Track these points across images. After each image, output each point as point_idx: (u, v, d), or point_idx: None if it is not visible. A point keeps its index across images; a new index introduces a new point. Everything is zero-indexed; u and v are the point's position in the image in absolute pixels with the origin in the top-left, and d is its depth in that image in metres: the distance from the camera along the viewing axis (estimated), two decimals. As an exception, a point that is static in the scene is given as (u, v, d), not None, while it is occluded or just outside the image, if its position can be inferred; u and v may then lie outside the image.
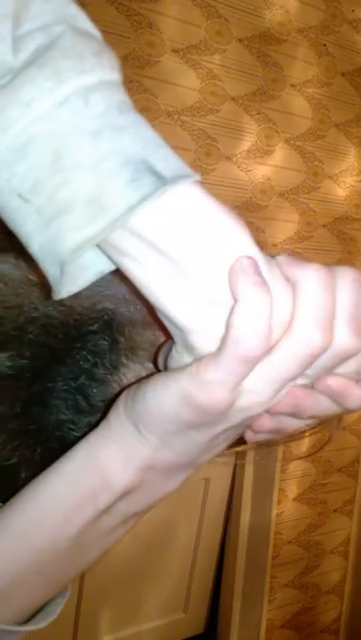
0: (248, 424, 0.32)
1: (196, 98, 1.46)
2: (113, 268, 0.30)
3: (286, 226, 1.70)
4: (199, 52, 1.45)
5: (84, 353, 0.35)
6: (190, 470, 0.34)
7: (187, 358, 0.29)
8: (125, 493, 0.32)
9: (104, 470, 0.31)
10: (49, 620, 0.35)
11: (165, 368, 0.32)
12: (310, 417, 0.32)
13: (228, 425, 0.30)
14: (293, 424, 0.32)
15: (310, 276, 0.27)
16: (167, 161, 0.27)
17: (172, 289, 0.27)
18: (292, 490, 1.89)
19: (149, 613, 1.76)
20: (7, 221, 0.28)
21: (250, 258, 0.27)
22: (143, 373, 0.36)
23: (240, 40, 1.51)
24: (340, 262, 1.77)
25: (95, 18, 0.29)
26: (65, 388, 0.35)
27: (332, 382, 0.30)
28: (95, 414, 0.35)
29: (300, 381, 0.30)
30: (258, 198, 1.62)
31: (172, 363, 0.31)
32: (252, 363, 0.27)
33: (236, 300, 0.26)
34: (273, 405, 0.30)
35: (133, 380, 0.35)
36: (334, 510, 2.03)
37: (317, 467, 1.93)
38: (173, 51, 1.41)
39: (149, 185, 0.26)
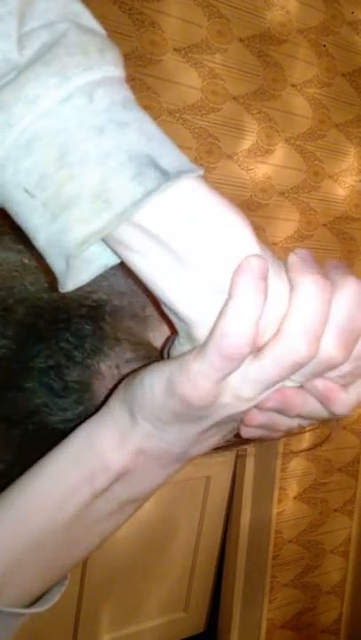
0: (239, 421, 0.33)
1: (197, 96, 1.48)
2: (117, 261, 0.30)
3: (287, 225, 1.71)
4: (201, 52, 1.46)
5: (67, 335, 0.35)
6: (183, 462, 0.34)
7: (188, 349, 0.30)
8: (121, 475, 0.32)
9: (101, 452, 0.32)
10: (49, 604, 0.35)
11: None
12: (300, 416, 0.32)
13: (215, 419, 0.30)
14: (284, 422, 0.33)
15: (308, 285, 0.28)
16: (171, 156, 0.28)
17: (175, 282, 0.28)
18: (293, 489, 1.89)
19: (150, 612, 1.75)
20: (14, 216, 0.28)
21: (259, 258, 0.27)
22: (122, 365, 0.36)
23: (241, 40, 1.53)
24: (341, 261, 1.79)
25: (98, 16, 0.30)
26: (41, 366, 0.35)
27: (319, 384, 0.30)
28: (69, 396, 0.36)
29: (289, 383, 0.31)
30: (258, 197, 1.63)
31: (174, 353, 0.31)
32: (234, 360, 0.27)
33: (229, 296, 0.27)
34: (261, 400, 0.31)
35: (109, 369, 0.36)
36: (335, 510, 2.03)
37: (318, 466, 1.93)
38: (175, 50, 1.42)
39: (154, 180, 0.26)
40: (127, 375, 0.33)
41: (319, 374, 0.30)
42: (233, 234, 0.28)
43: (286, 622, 2.00)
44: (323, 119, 1.71)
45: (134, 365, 0.36)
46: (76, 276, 0.29)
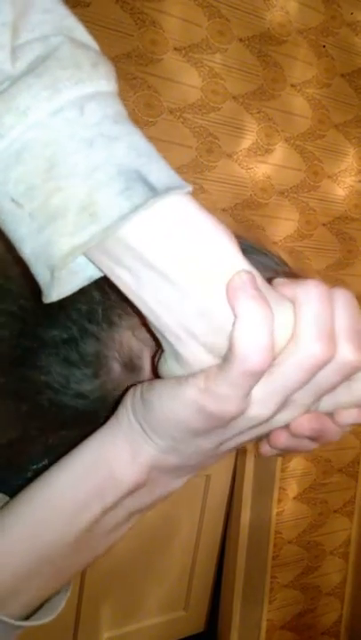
0: (256, 432, 0.32)
1: (197, 95, 1.49)
2: (102, 274, 0.30)
3: (286, 224, 1.71)
4: (201, 51, 1.47)
5: (79, 305, 0.35)
6: (196, 471, 0.34)
7: (175, 367, 0.30)
8: (132, 491, 0.32)
9: (112, 467, 0.32)
10: (55, 614, 0.35)
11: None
12: (327, 442, 0.33)
13: (235, 432, 0.30)
14: (307, 445, 0.33)
15: (311, 291, 0.28)
16: (160, 172, 0.28)
17: (159, 299, 0.28)
18: (293, 489, 1.89)
19: (150, 611, 1.75)
20: (1, 224, 0.28)
21: (249, 272, 0.27)
22: (131, 337, 0.35)
23: (241, 40, 1.54)
24: (339, 261, 1.79)
25: (100, 16, 0.30)
26: (57, 340, 0.35)
27: (352, 417, 0.31)
28: (85, 368, 0.35)
29: (308, 398, 0.31)
30: (258, 196, 1.64)
31: (162, 370, 0.31)
32: (259, 375, 0.27)
33: (236, 316, 0.27)
34: (297, 427, 0.31)
35: (125, 344, 0.36)
36: (335, 511, 2.03)
37: (318, 466, 1.93)
38: (176, 49, 1.43)
39: (141, 195, 0.26)
40: (132, 386, 0.33)
41: (338, 383, 0.30)
42: (219, 252, 0.28)
43: (286, 623, 1.99)
44: (322, 119, 1.72)
45: (144, 336, 0.35)
46: (60, 286, 0.29)
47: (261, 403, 0.29)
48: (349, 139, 1.79)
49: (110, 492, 0.32)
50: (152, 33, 1.39)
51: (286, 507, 1.88)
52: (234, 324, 0.27)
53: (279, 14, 1.59)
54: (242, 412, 0.28)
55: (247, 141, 1.60)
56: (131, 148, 0.27)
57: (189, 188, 0.28)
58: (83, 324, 0.35)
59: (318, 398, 0.31)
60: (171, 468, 0.32)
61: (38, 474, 0.34)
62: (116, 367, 0.35)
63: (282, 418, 0.31)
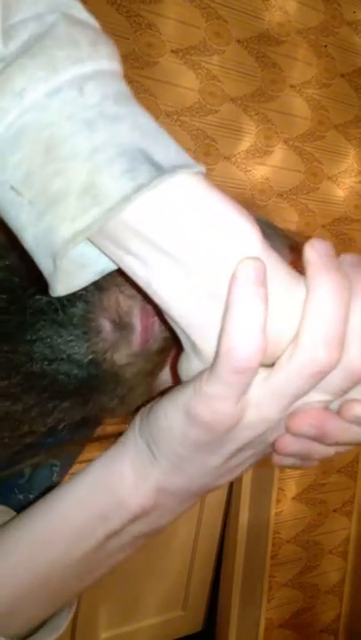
0: (266, 447, 0.30)
1: (195, 98, 1.48)
2: (115, 267, 0.28)
3: (285, 226, 1.70)
4: (198, 53, 1.46)
5: None
6: (203, 494, 0.32)
7: (195, 363, 0.28)
8: (137, 517, 0.31)
9: (117, 492, 0.31)
10: (54, 636, 0.35)
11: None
12: (340, 444, 0.30)
13: (238, 444, 0.28)
14: (320, 450, 0.30)
15: (324, 286, 0.25)
16: (167, 151, 0.26)
17: (170, 285, 0.26)
18: (291, 489, 1.89)
19: (148, 610, 1.76)
20: (1, 213, 0.27)
21: (256, 261, 0.25)
22: (121, 299, 0.34)
23: (239, 41, 1.52)
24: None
25: (95, 18, 0.29)
26: (42, 304, 0.33)
27: (359, 410, 0.27)
28: (74, 329, 0.33)
29: (318, 398, 0.28)
30: (257, 198, 1.63)
31: (182, 370, 0.29)
32: (247, 374, 0.25)
33: (227, 308, 0.25)
34: (294, 424, 0.28)
35: (112, 302, 0.34)
36: (334, 510, 2.03)
37: (317, 466, 1.93)
38: (173, 51, 1.42)
39: (146, 175, 0.24)
40: (142, 406, 0.32)
41: (349, 388, 0.27)
42: (233, 232, 0.25)
43: (285, 622, 2.00)
44: (322, 120, 1.71)
45: (131, 292, 0.34)
46: (67, 279, 0.27)
47: (260, 407, 0.27)
48: (349, 139, 1.77)
49: (115, 518, 0.31)
50: (148, 35, 1.38)
51: (285, 507, 1.89)
52: (223, 316, 0.25)
53: (278, 14, 1.57)
54: (236, 416, 0.26)
55: (246, 143, 1.59)
56: (134, 127, 0.26)
57: (201, 167, 0.26)
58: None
59: (328, 404, 0.28)
60: (177, 490, 0.31)
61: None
62: (105, 325, 0.34)
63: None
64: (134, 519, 0.31)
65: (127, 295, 0.34)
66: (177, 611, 1.85)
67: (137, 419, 0.31)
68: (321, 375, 0.26)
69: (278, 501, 1.86)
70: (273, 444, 0.30)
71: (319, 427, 0.28)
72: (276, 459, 0.31)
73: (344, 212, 1.81)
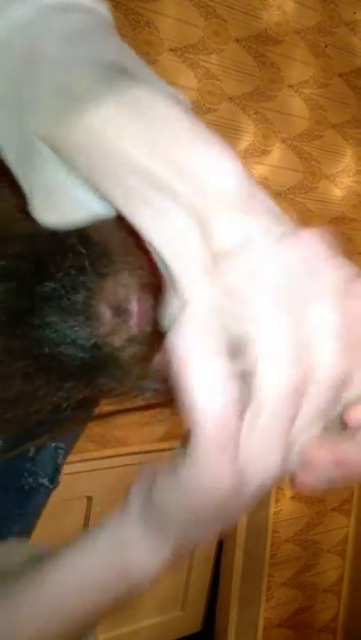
0: (271, 481, 0.28)
1: (193, 97, 1.48)
2: (111, 214, 0.27)
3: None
4: (197, 52, 1.46)
5: (68, 260, 0.34)
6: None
7: (175, 303, 0.24)
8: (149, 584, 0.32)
9: (128, 572, 0.31)
10: None
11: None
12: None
13: (248, 497, 0.25)
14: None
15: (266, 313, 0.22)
16: (148, 71, 0.27)
17: (143, 203, 0.24)
18: (290, 488, 1.89)
19: (146, 611, 1.76)
20: None
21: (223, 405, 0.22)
22: (119, 287, 0.35)
23: (238, 40, 1.52)
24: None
25: None
26: (46, 290, 0.34)
27: None
28: (77, 315, 0.34)
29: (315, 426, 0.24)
30: (255, 197, 1.63)
31: (165, 317, 0.26)
32: (229, 424, 0.22)
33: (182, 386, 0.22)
34: (316, 466, 0.25)
35: (111, 290, 0.35)
36: (332, 509, 2.04)
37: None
38: (171, 50, 1.42)
39: (121, 82, 0.24)
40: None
41: (339, 393, 0.23)
42: (208, 157, 0.24)
43: (283, 621, 2.00)
44: (320, 120, 1.71)
45: (129, 281, 0.35)
46: (57, 207, 0.27)
47: (258, 452, 0.23)
48: (347, 139, 1.78)
49: (125, 593, 0.32)
50: (147, 34, 1.37)
51: (284, 506, 1.89)
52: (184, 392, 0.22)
53: (276, 14, 1.57)
54: (238, 478, 0.23)
55: (244, 143, 1.59)
56: (111, 47, 0.27)
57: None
58: (74, 276, 0.35)
59: (325, 420, 0.24)
60: (188, 550, 0.32)
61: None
62: (106, 312, 0.35)
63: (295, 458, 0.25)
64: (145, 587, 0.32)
65: (125, 284, 0.35)
66: (176, 611, 1.85)
67: (137, 494, 0.30)
68: (293, 403, 0.22)
69: (277, 500, 1.86)
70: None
71: (339, 461, 0.25)
72: (302, 489, 0.28)
73: (342, 211, 1.82)
